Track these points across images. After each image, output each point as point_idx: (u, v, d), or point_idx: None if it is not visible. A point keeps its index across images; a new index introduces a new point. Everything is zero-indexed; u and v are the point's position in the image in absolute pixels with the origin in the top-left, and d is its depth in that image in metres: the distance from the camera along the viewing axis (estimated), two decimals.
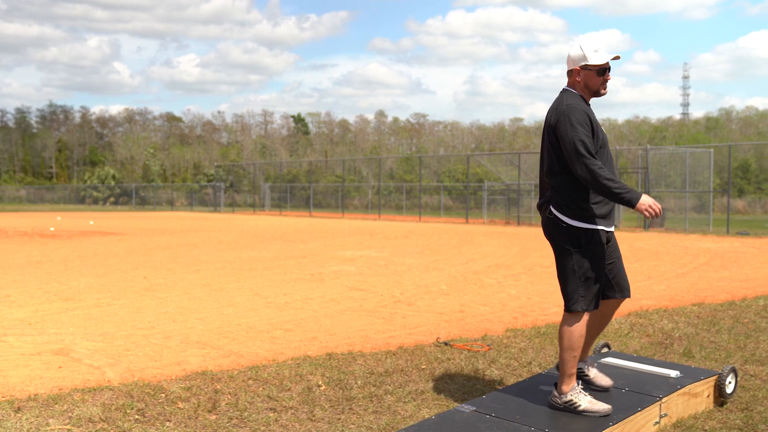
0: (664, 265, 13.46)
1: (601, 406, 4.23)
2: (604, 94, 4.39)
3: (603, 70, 4.32)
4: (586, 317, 4.34)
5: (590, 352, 4.84)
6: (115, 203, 74.24)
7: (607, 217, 4.40)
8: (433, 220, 38.32)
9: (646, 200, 4.11)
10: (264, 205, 56.23)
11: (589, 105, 4.39)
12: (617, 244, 4.60)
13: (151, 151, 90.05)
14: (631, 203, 4.10)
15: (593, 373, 4.67)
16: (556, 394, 4.39)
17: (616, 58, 4.34)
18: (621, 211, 30.02)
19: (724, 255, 15.79)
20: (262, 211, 53.47)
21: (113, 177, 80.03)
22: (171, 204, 66.13)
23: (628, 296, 4.62)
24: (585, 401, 4.28)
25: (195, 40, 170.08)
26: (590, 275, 4.30)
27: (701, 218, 30.49)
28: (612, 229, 4.50)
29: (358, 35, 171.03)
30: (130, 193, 72.33)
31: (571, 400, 4.31)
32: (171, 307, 8.37)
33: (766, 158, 74.42)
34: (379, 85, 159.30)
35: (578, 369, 4.64)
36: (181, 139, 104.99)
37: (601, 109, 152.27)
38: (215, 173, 67.72)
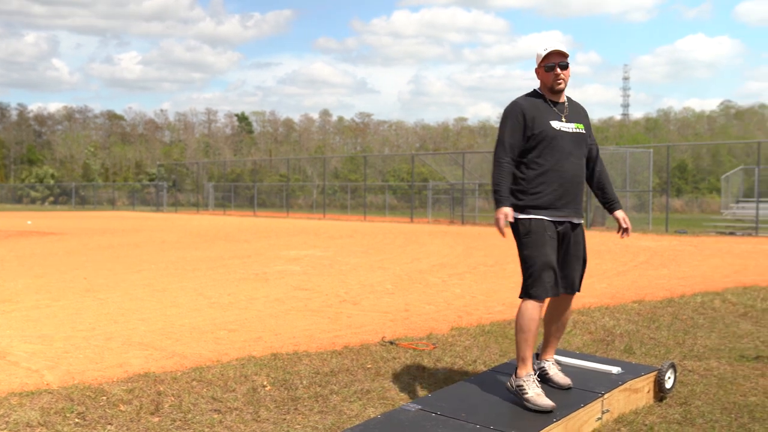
0: (605, 263, 13.69)
1: (545, 402, 4.27)
2: (559, 88, 4.56)
3: (550, 66, 4.50)
4: (535, 304, 4.45)
5: (551, 354, 4.83)
6: (55, 203, 72.67)
7: (556, 207, 4.49)
8: (378, 219, 38.36)
9: (499, 214, 4.45)
10: (207, 205, 55.64)
11: (549, 101, 4.60)
12: (580, 240, 4.63)
13: (92, 149, 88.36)
14: (496, 205, 4.50)
15: (553, 371, 4.74)
16: (512, 377, 4.51)
17: (548, 55, 4.52)
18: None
19: (663, 253, 16.12)
20: (205, 210, 52.92)
21: (52, 176, 78.38)
22: (112, 203, 65.02)
23: (573, 292, 4.67)
24: (532, 391, 4.34)
25: (137, 37, 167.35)
26: (532, 264, 4.44)
27: (641, 217, 31.08)
28: (567, 220, 4.54)
29: (302, 34, 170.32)
30: (69, 192, 70.89)
31: (521, 386, 4.40)
32: (112, 308, 8.23)
33: (703, 158, 76.32)
34: (323, 84, 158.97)
35: (540, 368, 4.75)
36: (122, 137, 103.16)
37: None
38: (158, 172, 66.75)
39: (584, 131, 4.63)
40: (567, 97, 4.70)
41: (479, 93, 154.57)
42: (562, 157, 4.48)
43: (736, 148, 72.64)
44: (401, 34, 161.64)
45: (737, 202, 30.96)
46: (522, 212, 4.48)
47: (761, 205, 26.82)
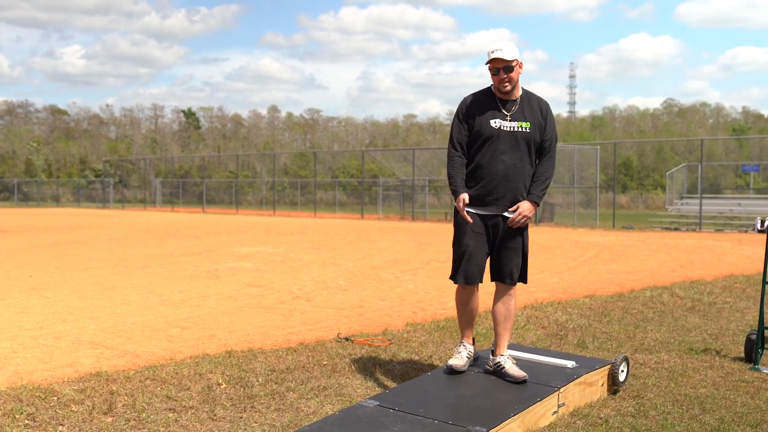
0: (555, 258, 13.85)
1: (453, 362, 4.88)
2: (505, 89, 4.72)
3: (494, 70, 4.70)
4: (459, 288, 4.94)
5: (503, 347, 4.93)
6: None
7: (484, 203, 4.77)
8: (329, 215, 38.26)
9: (458, 203, 4.79)
10: (155, 201, 54.86)
11: (498, 99, 4.78)
12: (515, 232, 4.79)
13: (35, 145, 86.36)
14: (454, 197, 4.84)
15: (508, 365, 4.82)
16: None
17: (489, 61, 4.71)
18: None
19: (611, 248, 16.37)
20: (153, 207, 52.16)
21: None
22: (56, 200, 63.70)
23: (508, 282, 4.86)
24: (453, 358, 4.90)
25: (79, 31, 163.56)
26: (454, 251, 4.92)
27: (588, 213, 31.57)
28: (493, 213, 4.77)
29: (249, 30, 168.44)
30: (11, 188, 69.23)
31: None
32: (60, 306, 8.05)
33: (647, 156, 77.66)
34: (271, 80, 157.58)
35: (495, 363, 4.86)
36: (66, 132, 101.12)
37: None
38: (103, 168, 65.61)
39: (529, 130, 4.73)
40: (526, 93, 4.84)
41: (428, 90, 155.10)
42: (494, 155, 4.71)
43: (680, 146, 74.07)
44: (349, 30, 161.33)
45: (681, 198, 31.61)
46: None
47: (704, 201, 27.43)
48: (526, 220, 4.75)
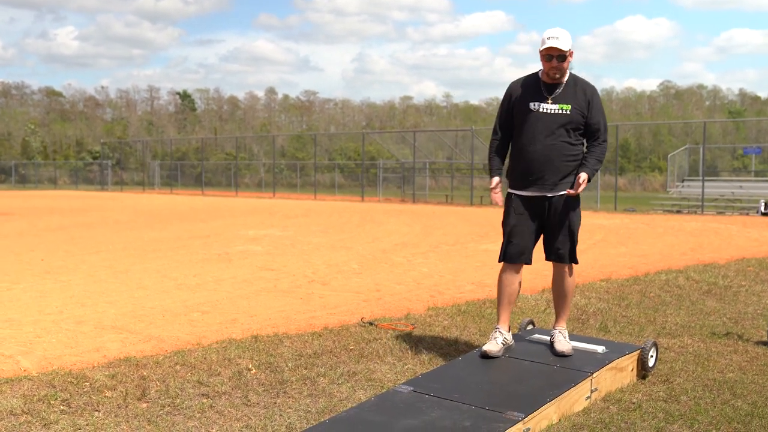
0: None
1: (488, 347, 4.96)
2: (555, 77, 4.86)
3: (547, 57, 4.79)
4: (504, 266, 5.07)
5: (558, 322, 5.19)
6: None
7: (524, 184, 4.93)
8: (329, 198, 38.23)
9: (490, 182, 5.07)
10: (153, 184, 54.76)
11: (543, 83, 4.92)
12: (561, 210, 4.91)
13: (32, 127, 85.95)
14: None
15: (556, 339, 5.05)
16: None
17: (545, 49, 4.79)
18: None
19: (617, 231, 16.39)
20: (151, 189, 52.06)
21: None
22: (54, 182, 63.56)
23: (559, 260, 5.05)
24: (489, 343, 5.01)
25: (73, 12, 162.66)
26: (503, 232, 5.07)
27: (588, 195, 31.53)
28: (536, 194, 4.91)
29: (244, 11, 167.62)
30: (8, 170, 69.03)
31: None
32: (77, 290, 8.03)
33: (644, 138, 77.70)
34: (266, 62, 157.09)
35: (549, 335, 5.17)
36: (62, 114, 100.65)
37: (488, 89, 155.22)
38: (101, 150, 65.40)
39: (569, 112, 4.82)
40: (573, 77, 4.95)
41: (423, 72, 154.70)
42: (533, 136, 4.84)
43: (677, 128, 74.09)
44: (344, 11, 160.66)
45: (683, 181, 31.62)
46: (508, 187, 5.04)
47: (705, 184, 27.44)
48: (580, 190, 4.86)
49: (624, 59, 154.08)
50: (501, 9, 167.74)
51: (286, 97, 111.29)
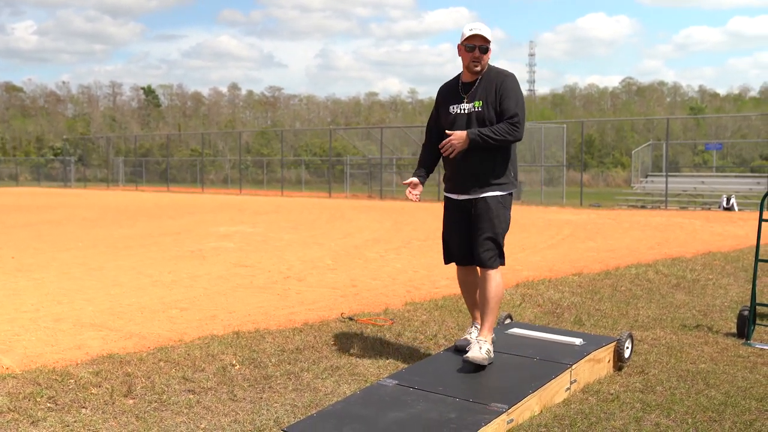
0: (532, 236, 14.02)
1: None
2: (475, 69, 4.78)
3: (470, 47, 4.73)
4: (457, 271, 5.13)
5: (481, 331, 4.90)
6: None
7: (452, 187, 4.94)
8: (296, 194, 38.17)
9: (405, 182, 5.02)
10: (117, 180, 54.17)
11: (461, 83, 4.90)
12: (481, 213, 4.78)
13: None
14: None
15: (472, 347, 4.70)
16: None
17: (468, 38, 4.75)
18: None
19: (585, 226, 16.62)
20: (116, 186, 51.50)
21: None
22: (15, 179, 62.56)
23: (478, 264, 4.87)
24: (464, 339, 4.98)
25: (32, 6, 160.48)
26: (442, 234, 5.10)
27: (553, 191, 31.88)
28: (461, 197, 4.88)
29: (207, 6, 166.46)
30: None
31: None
32: (51, 288, 7.99)
33: (608, 134, 78.48)
34: (229, 58, 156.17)
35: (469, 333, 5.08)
36: (22, 110, 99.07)
37: None
38: (63, 147, 64.53)
39: (480, 108, 4.71)
40: (489, 69, 4.84)
41: (387, 68, 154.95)
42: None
43: (639, 124, 74.96)
44: (308, 7, 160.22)
45: (646, 176, 32.06)
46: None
47: (668, 179, 27.87)
48: (452, 148, 4.67)
49: (586, 56, 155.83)
50: (464, 5, 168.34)
51: (250, 93, 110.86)
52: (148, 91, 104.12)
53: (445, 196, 5.05)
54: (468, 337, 5.00)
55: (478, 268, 4.91)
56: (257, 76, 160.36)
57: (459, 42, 4.80)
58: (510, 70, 4.90)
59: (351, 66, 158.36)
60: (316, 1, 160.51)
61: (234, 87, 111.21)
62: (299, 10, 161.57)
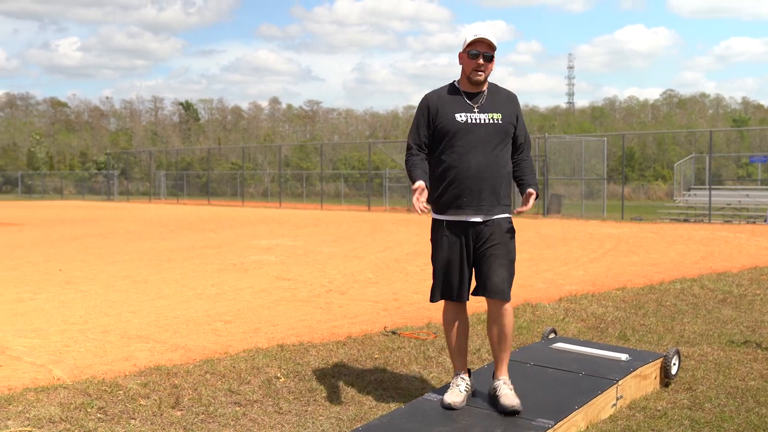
0: (575, 250, 13.92)
1: (448, 398, 4.29)
2: (477, 79, 4.29)
3: (474, 54, 4.26)
4: (445, 309, 4.50)
5: (501, 371, 4.39)
6: None
7: (457, 207, 4.28)
8: (335, 207, 38.30)
9: (415, 186, 4.18)
10: (159, 194, 54.87)
11: (463, 92, 4.37)
12: (496, 237, 4.28)
13: (37, 137, 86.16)
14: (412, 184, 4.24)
15: (502, 392, 4.27)
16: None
17: (472, 43, 4.28)
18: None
19: (627, 240, 16.45)
20: (157, 199, 52.15)
21: None
22: (60, 192, 63.69)
23: (493, 297, 4.28)
24: (451, 394, 4.33)
25: (75, 23, 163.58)
26: (434, 265, 4.42)
27: (593, 204, 31.62)
28: (468, 219, 4.29)
29: (245, 21, 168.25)
30: (14, 181, 69.22)
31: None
32: (98, 300, 8.12)
33: (648, 146, 77.72)
34: (268, 72, 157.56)
35: (492, 387, 4.36)
36: (67, 125, 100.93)
37: None
38: (107, 161, 65.56)
39: (501, 121, 4.30)
40: (492, 85, 4.43)
41: (424, 81, 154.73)
42: (465, 151, 4.26)
43: (680, 136, 74.12)
44: (344, 22, 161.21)
45: (689, 189, 31.66)
46: (433, 212, 4.40)
47: (712, 193, 27.49)
48: (529, 206, 4.31)
49: (624, 68, 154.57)
50: (501, 18, 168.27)
51: (289, 106, 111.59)
52: (188, 106, 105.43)
53: (438, 220, 4.36)
54: (459, 390, 4.34)
55: (487, 301, 4.33)
56: (295, 90, 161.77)
57: (461, 49, 4.36)
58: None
59: (388, 79, 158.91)
60: (353, 16, 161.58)
61: (274, 101, 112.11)
62: (336, 24, 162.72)
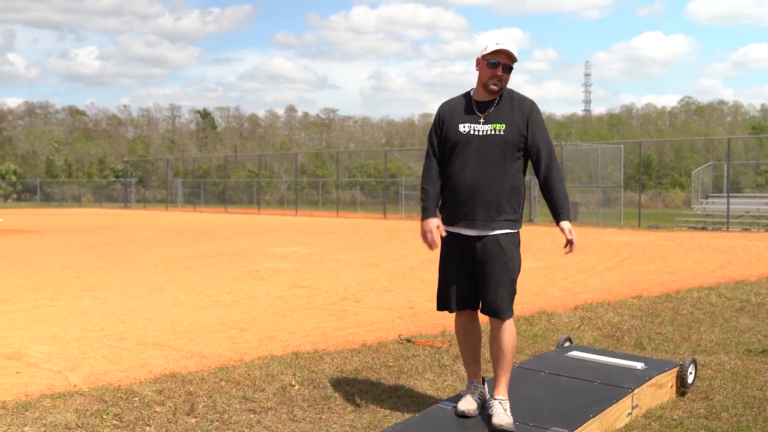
0: (591, 258, 13.86)
1: (462, 406, 4.28)
2: (493, 89, 4.18)
3: (494, 63, 4.13)
4: (456, 319, 4.49)
5: (498, 390, 4.27)
6: (18, 199, 71.46)
7: (455, 219, 4.24)
8: (351, 215, 38.35)
9: (425, 227, 4.28)
10: (176, 201, 55.14)
11: (474, 101, 4.29)
12: (492, 254, 4.17)
13: (56, 145, 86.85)
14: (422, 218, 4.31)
15: (495, 411, 4.17)
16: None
17: (493, 52, 4.14)
18: (538, 205, 30.73)
19: (644, 248, 16.36)
20: (174, 207, 52.40)
21: (14, 172, 77.00)
22: (78, 200, 64.13)
23: (488, 315, 4.24)
24: (464, 403, 4.31)
25: (94, 33, 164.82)
26: (440, 274, 4.46)
27: (610, 212, 31.47)
28: (464, 232, 4.22)
29: (262, 29, 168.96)
30: (33, 188, 69.77)
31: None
32: (114, 307, 8.17)
33: (666, 154, 77.33)
34: (284, 80, 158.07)
35: (489, 405, 4.25)
36: (85, 133, 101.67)
37: None
38: (124, 169, 65.99)
39: (503, 132, 4.15)
40: (508, 92, 4.27)
41: (440, 89, 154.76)
42: (463, 163, 4.19)
43: (698, 144, 73.72)
44: (361, 30, 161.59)
45: (707, 197, 31.46)
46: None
47: (730, 200, 27.30)
48: (573, 244, 4.26)
49: (641, 75, 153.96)
50: (517, 26, 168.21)
51: (305, 114, 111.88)
52: (205, 114, 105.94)
53: (447, 230, 4.29)
54: (471, 398, 4.33)
55: (491, 320, 4.27)
56: (311, 97, 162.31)
57: (480, 55, 4.20)
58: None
59: (404, 87, 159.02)
60: (369, 24, 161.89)
61: (291, 109, 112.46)
62: (352, 32, 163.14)
